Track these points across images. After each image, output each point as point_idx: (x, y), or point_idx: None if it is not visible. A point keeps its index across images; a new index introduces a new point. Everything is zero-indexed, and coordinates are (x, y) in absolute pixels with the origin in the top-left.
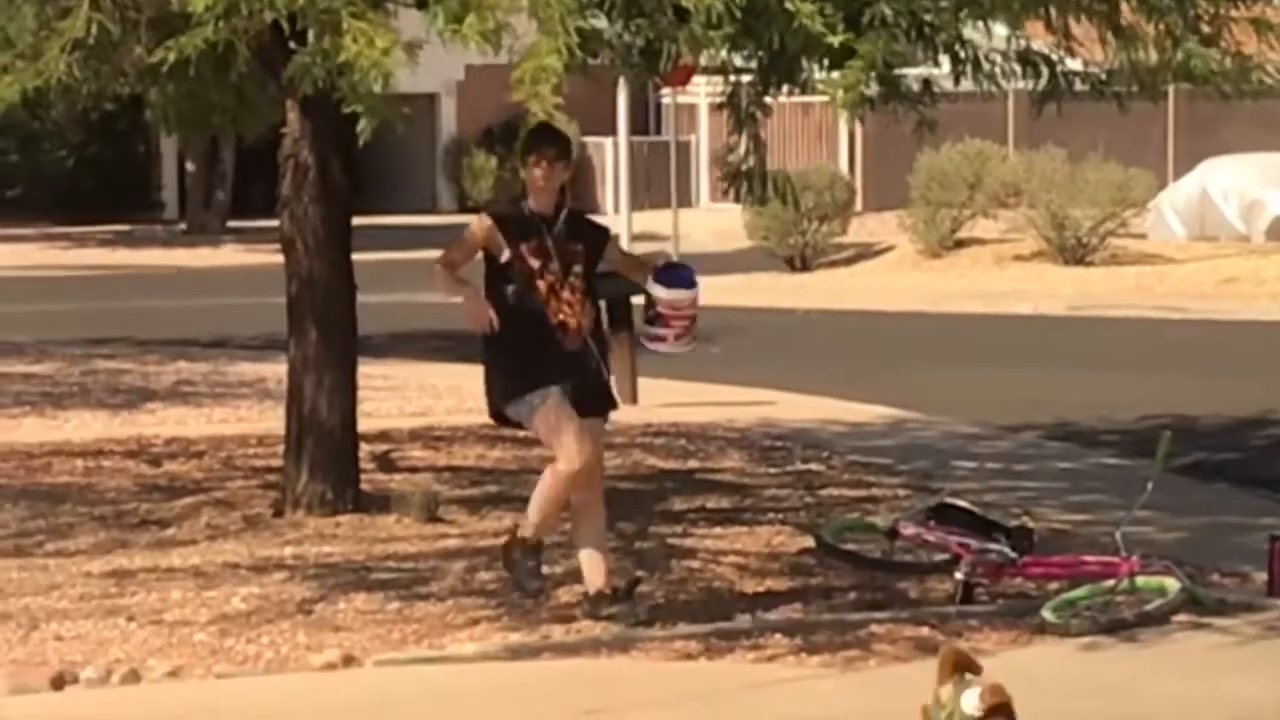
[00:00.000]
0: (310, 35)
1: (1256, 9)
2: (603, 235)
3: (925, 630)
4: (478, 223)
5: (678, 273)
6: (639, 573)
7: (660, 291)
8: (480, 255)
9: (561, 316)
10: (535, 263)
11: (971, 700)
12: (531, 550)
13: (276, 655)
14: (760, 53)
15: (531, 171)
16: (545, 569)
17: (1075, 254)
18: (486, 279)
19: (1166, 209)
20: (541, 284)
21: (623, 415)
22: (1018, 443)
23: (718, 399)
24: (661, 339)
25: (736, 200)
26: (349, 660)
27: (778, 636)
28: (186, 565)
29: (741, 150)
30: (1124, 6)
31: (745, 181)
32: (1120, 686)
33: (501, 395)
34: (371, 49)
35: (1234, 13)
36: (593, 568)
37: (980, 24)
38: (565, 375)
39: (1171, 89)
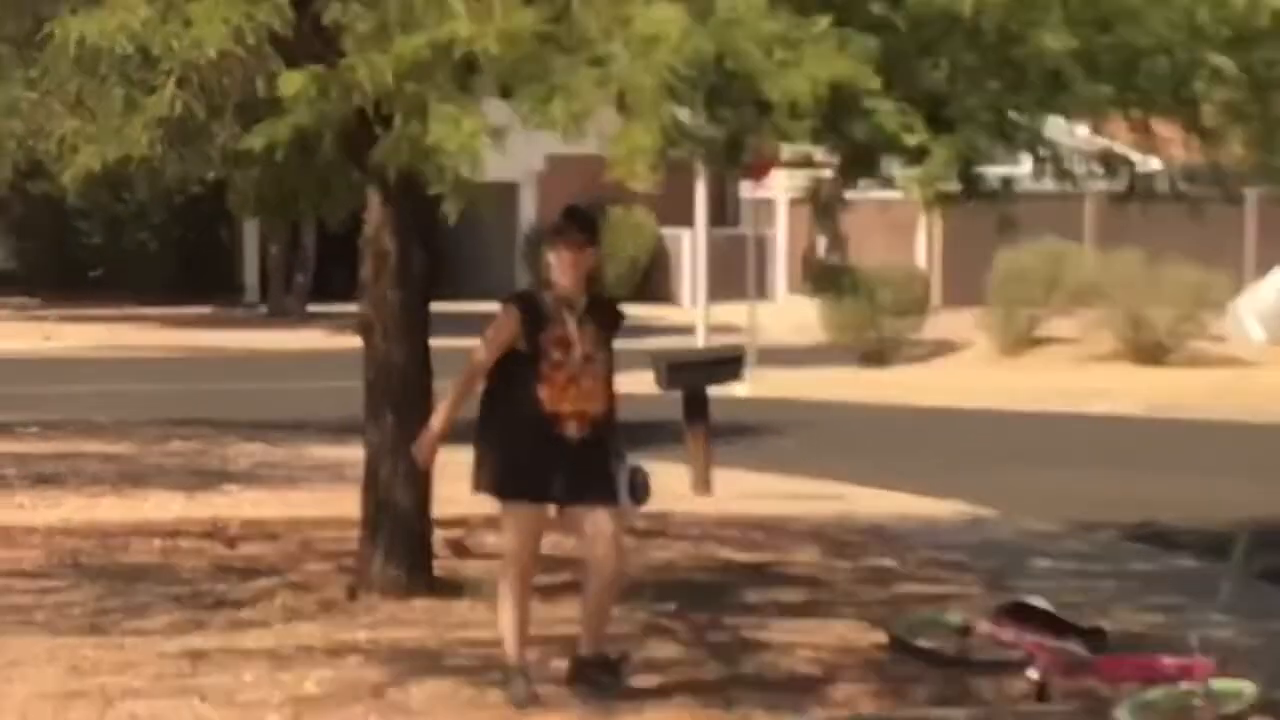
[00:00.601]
0: (397, 120)
1: None
2: (620, 320)
3: None
4: (505, 314)
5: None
6: (627, 650)
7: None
8: None
9: (570, 406)
10: (557, 354)
11: None
12: (516, 671)
13: None
14: (841, 147)
15: (561, 254)
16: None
17: (1152, 355)
18: (497, 363)
19: (1245, 312)
20: (561, 374)
21: (697, 506)
22: (1094, 543)
23: (792, 492)
24: None
25: (816, 295)
26: None
27: None
28: (261, 647)
29: (822, 245)
30: (1205, 108)
31: (826, 276)
32: None
33: (487, 483)
34: (458, 132)
35: None
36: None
37: (1061, 122)
38: (558, 472)
39: (1251, 194)
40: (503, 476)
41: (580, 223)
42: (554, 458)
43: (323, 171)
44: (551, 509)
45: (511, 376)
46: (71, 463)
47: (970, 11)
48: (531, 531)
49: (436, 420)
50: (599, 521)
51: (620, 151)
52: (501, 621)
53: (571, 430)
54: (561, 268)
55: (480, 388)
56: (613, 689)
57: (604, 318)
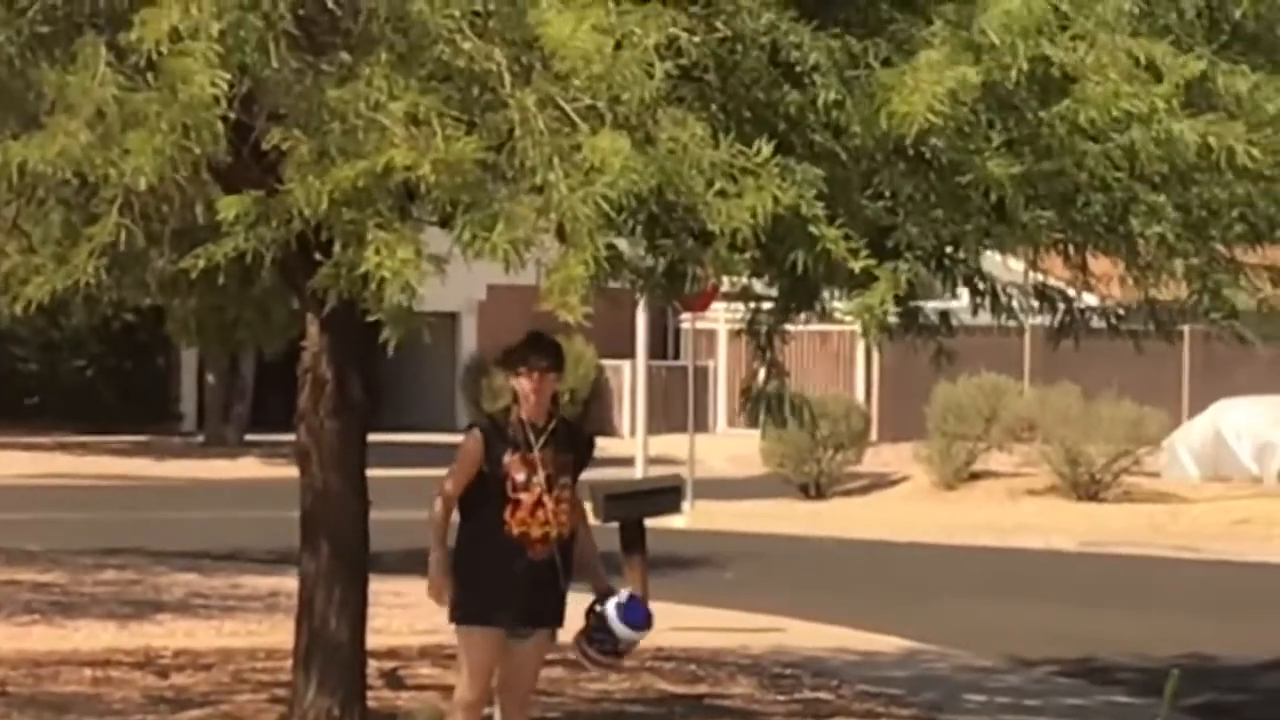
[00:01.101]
0: (336, 247)
1: (1270, 254)
2: (590, 447)
3: None
4: (470, 440)
5: (638, 609)
6: None
7: (624, 631)
8: None
9: (537, 529)
10: (520, 475)
11: None
12: None
13: None
14: (781, 278)
15: (522, 382)
16: None
17: (1088, 490)
18: (468, 492)
19: (1180, 448)
20: (526, 496)
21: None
22: (1029, 678)
23: (729, 625)
24: (602, 664)
25: (755, 425)
26: None
27: None
28: None
29: (761, 374)
30: (1142, 244)
31: (765, 405)
32: None
33: (456, 612)
34: (393, 260)
35: (1250, 258)
36: None
37: (998, 257)
38: (520, 595)
39: (1187, 330)
40: (467, 602)
41: (544, 349)
42: (517, 582)
43: (262, 299)
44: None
45: (480, 504)
46: (2, 591)
47: (913, 139)
48: (491, 662)
49: (436, 562)
50: (540, 646)
51: (555, 282)
52: None
53: (537, 553)
54: (523, 394)
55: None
56: None
57: (572, 444)
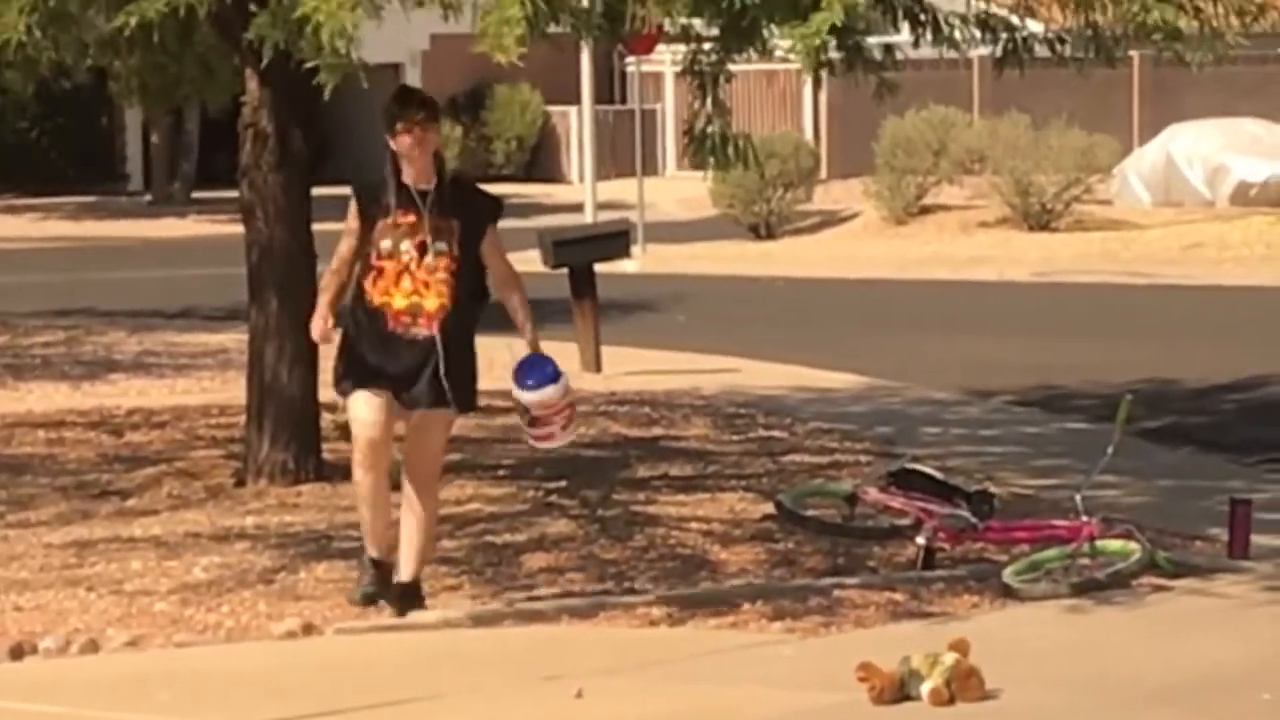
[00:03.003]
0: None
1: None
2: (488, 207)
3: (887, 595)
4: (352, 204)
5: (540, 369)
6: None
7: (528, 396)
8: None
9: (403, 300)
10: (386, 242)
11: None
12: (373, 565)
13: (237, 624)
14: (721, 15)
15: (401, 140)
16: (509, 535)
17: (1040, 220)
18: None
19: (1131, 175)
20: (390, 264)
21: (588, 384)
22: (983, 408)
23: (683, 367)
24: (548, 437)
25: (700, 168)
26: (309, 629)
27: (740, 601)
28: (147, 535)
29: (704, 116)
30: None
31: (708, 146)
32: (1087, 648)
33: (334, 378)
34: (329, 3)
35: None
36: (404, 556)
37: None
38: (392, 370)
39: (1136, 56)
40: (342, 370)
41: (416, 101)
42: (387, 356)
43: (204, 55)
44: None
45: (358, 272)
46: None
47: None
48: (372, 421)
49: (321, 304)
50: (428, 426)
51: (489, 23)
52: (360, 515)
53: (401, 326)
54: (404, 152)
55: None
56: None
57: (462, 206)
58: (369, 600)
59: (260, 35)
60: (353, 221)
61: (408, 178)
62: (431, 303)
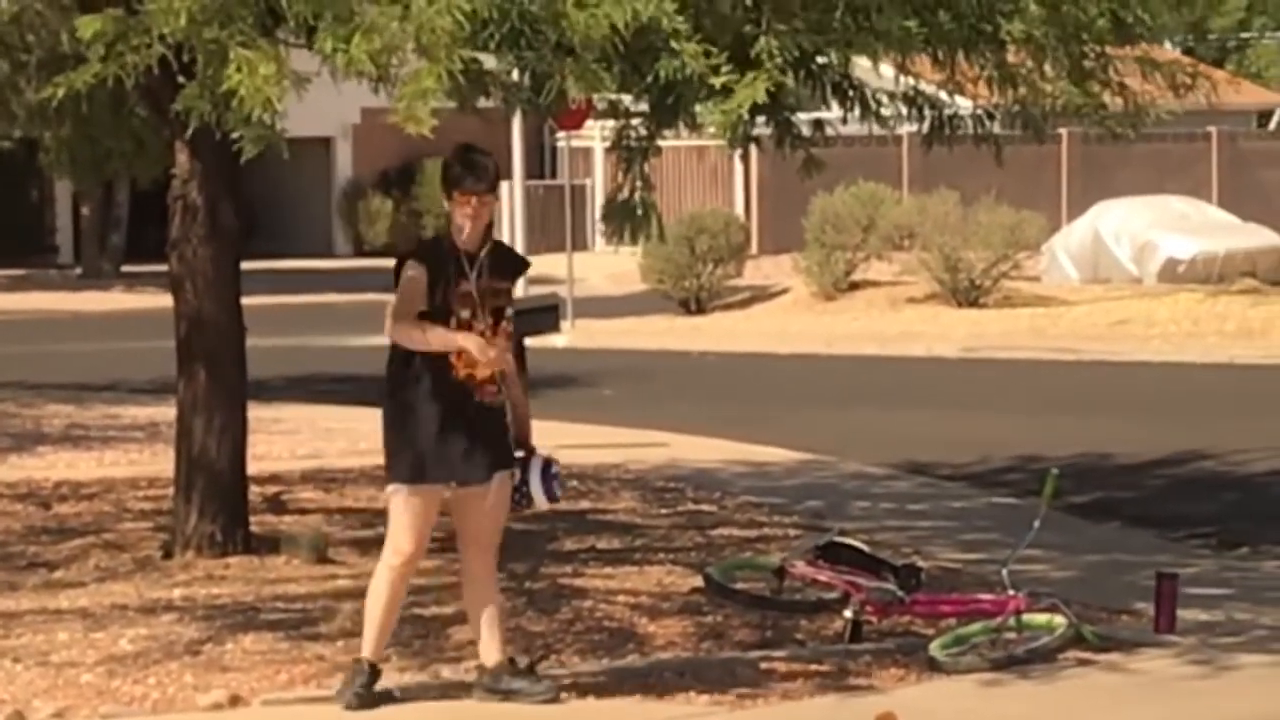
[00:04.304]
0: (199, 67)
1: (1141, 49)
2: (522, 267)
3: (814, 668)
4: (415, 272)
5: (555, 482)
6: (542, 650)
7: (541, 500)
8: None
9: (480, 371)
10: (465, 312)
11: None
12: (366, 671)
13: (164, 696)
14: (648, 92)
15: (457, 209)
16: (436, 608)
17: (969, 296)
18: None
19: (1060, 252)
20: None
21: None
22: (912, 483)
23: (612, 440)
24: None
25: (613, 238)
26: (236, 700)
27: (667, 675)
28: (74, 607)
29: (628, 185)
30: (1010, 46)
31: (623, 212)
32: None
33: (391, 462)
34: (254, 77)
35: (1120, 52)
36: (488, 638)
37: (868, 63)
38: (472, 443)
39: (1065, 133)
40: (410, 458)
41: (479, 169)
42: (469, 429)
43: (134, 128)
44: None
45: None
46: None
47: None
48: (422, 536)
49: (449, 334)
50: (501, 489)
51: (405, 94)
52: (370, 613)
53: (485, 395)
54: (458, 223)
55: (390, 363)
56: (545, 693)
57: (507, 266)
58: (364, 704)
59: (188, 107)
60: (415, 294)
61: (461, 243)
62: (505, 367)
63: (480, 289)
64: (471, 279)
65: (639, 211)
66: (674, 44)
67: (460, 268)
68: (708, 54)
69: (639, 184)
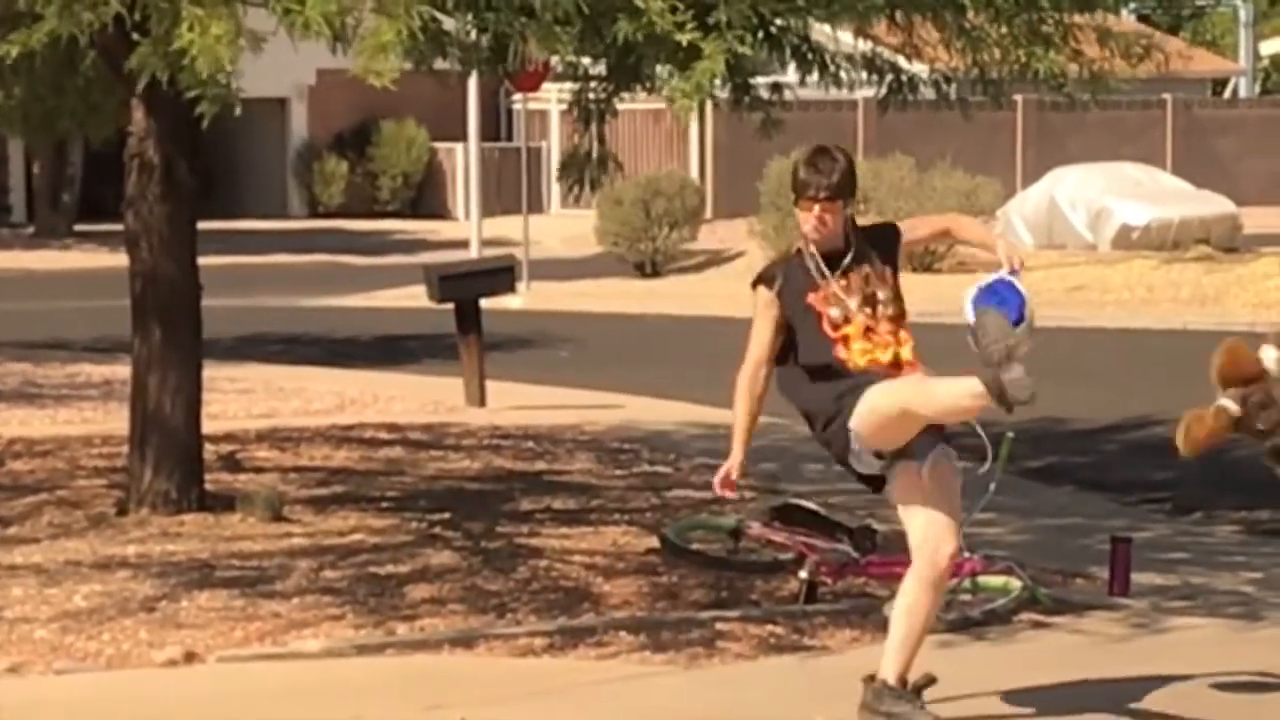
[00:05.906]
0: (153, 26)
1: (1100, 18)
2: (891, 236)
3: (768, 629)
4: (760, 299)
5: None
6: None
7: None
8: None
9: (880, 354)
10: (834, 312)
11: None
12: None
13: (118, 652)
14: (607, 53)
15: (800, 215)
16: (392, 566)
17: (924, 261)
18: (782, 353)
19: (1015, 217)
20: (852, 329)
21: (471, 418)
22: None
23: (567, 402)
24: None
25: (570, 190)
26: (191, 657)
27: (622, 634)
28: (29, 563)
29: (586, 142)
30: (969, 10)
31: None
32: (962, 683)
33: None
34: (207, 36)
35: (1079, 19)
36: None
37: (828, 28)
38: None
39: (1020, 100)
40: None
41: (821, 170)
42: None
43: (84, 88)
44: None
45: (810, 359)
46: None
47: None
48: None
49: (736, 449)
50: (947, 462)
51: (365, 47)
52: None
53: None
54: (803, 228)
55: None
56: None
57: (877, 247)
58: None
59: (141, 65)
60: (771, 313)
61: (815, 250)
62: (905, 348)
63: (847, 286)
64: (833, 281)
65: (596, 161)
66: (638, 2)
67: (820, 273)
68: (674, 10)
69: (595, 143)
